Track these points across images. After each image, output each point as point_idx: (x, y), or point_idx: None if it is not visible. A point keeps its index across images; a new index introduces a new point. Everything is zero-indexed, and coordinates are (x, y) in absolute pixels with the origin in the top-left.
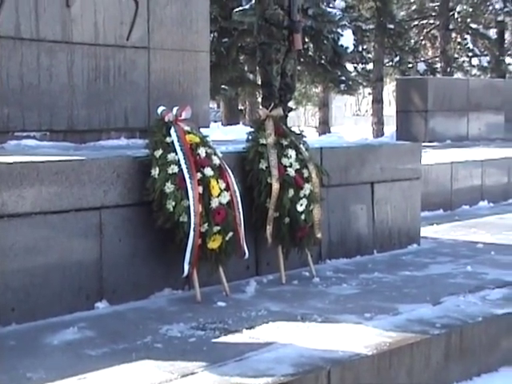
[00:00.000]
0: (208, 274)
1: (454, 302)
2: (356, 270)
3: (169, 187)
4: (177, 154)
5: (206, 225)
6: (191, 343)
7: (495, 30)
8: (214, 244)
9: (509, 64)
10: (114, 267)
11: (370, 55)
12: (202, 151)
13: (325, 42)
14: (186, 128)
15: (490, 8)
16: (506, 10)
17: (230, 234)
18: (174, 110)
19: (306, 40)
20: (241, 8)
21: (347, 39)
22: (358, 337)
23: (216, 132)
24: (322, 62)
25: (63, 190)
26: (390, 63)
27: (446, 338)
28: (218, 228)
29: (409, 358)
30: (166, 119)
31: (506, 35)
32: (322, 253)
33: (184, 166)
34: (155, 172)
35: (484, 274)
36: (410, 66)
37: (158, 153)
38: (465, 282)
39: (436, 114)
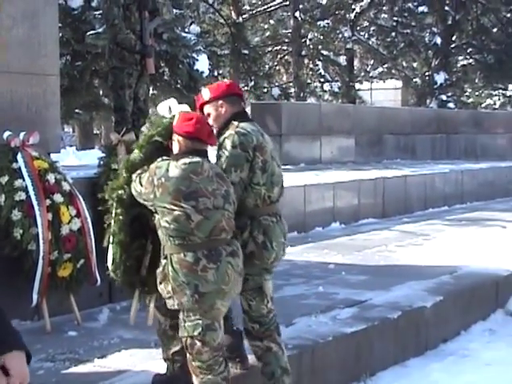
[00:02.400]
0: (59, 302)
1: (305, 322)
2: None
3: (16, 214)
4: (24, 180)
5: (55, 252)
6: (39, 376)
7: (345, 57)
8: (64, 272)
9: (358, 90)
10: None
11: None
12: (51, 177)
13: (180, 66)
14: (34, 153)
15: (340, 36)
16: (354, 38)
17: (82, 261)
18: (21, 134)
19: (162, 64)
20: (94, 31)
21: (203, 64)
22: None
23: (70, 157)
24: (178, 86)
25: None
26: (246, 88)
27: (298, 359)
28: (69, 255)
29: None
30: (13, 144)
31: (355, 62)
32: None
33: (32, 193)
34: (1, 199)
35: (335, 294)
36: (265, 90)
37: (4, 179)
38: (316, 303)
39: (290, 137)
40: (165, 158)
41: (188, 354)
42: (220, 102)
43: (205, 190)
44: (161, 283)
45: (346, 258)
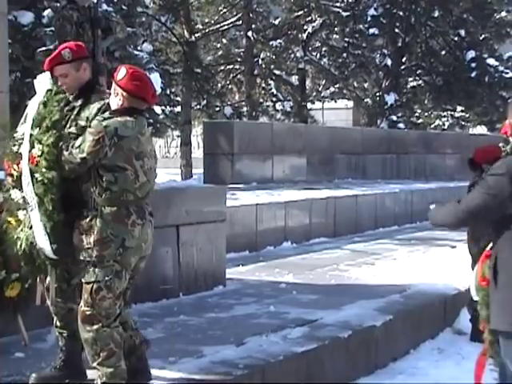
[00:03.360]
0: (6, 323)
1: (257, 342)
2: (162, 314)
3: None
4: None
5: (3, 272)
6: None
7: (297, 77)
8: (12, 292)
9: (310, 109)
10: None
11: (178, 98)
12: None
13: None
14: None
15: (292, 56)
16: (306, 58)
17: (30, 280)
18: None
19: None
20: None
21: (155, 82)
22: (160, 382)
23: None
24: None
25: None
26: (198, 106)
27: (249, 378)
28: (17, 275)
29: None
30: None
31: (307, 82)
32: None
33: None
34: None
35: (286, 314)
36: (217, 109)
37: None
38: (268, 322)
39: (242, 156)
40: (106, 115)
41: (87, 302)
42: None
43: (147, 150)
44: (82, 234)
45: (298, 277)
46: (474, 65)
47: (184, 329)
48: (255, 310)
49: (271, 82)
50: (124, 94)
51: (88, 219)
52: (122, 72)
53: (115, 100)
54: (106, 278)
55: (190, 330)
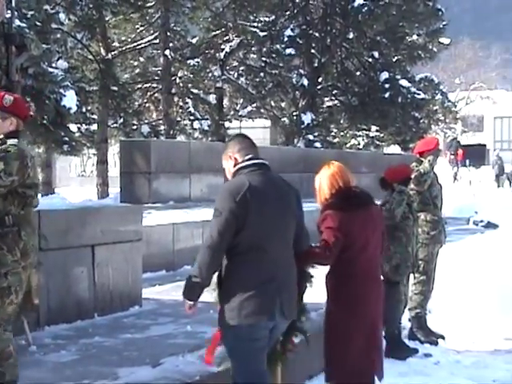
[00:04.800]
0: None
1: (173, 362)
2: (76, 336)
3: None
4: None
5: None
6: None
7: (215, 96)
8: None
9: (228, 128)
10: None
11: (94, 116)
12: None
13: (47, 102)
14: None
15: (210, 75)
16: (223, 77)
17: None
18: None
19: (27, 99)
20: None
21: (70, 100)
22: None
23: None
24: (44, 122)
25: None
26: (115, 124)
27: None
28: None
29: None
30: None
31: (225, 101)
32: (40, 319)
33: None
34: None
35: (203, 333)
36: (134, 127)
37: None
38: (184, 342)
39: (159, 175)
40: (11, 142)
41: None
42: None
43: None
44: None
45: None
46: (387, 85)
47: (99, 350)
48: (172, 330)
49: (189, 101)
50: (16, 119)
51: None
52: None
53: (10, 124)
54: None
55: (105, 351)
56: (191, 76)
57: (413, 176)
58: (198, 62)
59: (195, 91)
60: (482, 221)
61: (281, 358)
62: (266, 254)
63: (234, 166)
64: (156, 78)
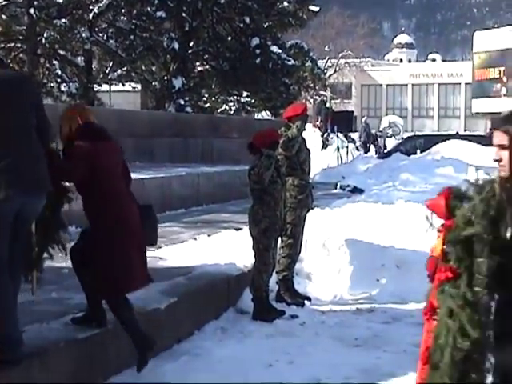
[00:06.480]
0: None
1: (37, 329)
2: None
3: None
4: None
5: None
6: None
7: (83, 58)
8: None
9: (97, 91)
10: None
11: None
12: None
13: None
14: None
15: (78, 36)
16: (92, 39)
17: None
18: None
19: None
20: None
21: None
22: None
23: None
24: None
25: None
26: None
27: (28, 365)
28: None
29: None
30: None
31: (94, 63)
32: None
33: None
34: None
35: (69, 300)
36: None
37: None
38: (49, 309)
39: None
40: None
41: None
42: None
43: None
44: None
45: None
46: (258, 51)
47: None
48: (36, 297)
49: (56, 63)
50: None
51: None
52: None
53: None
54: None
55: None
56: (58, 37)
57: (281, 141)
58: (64, 23)
59: (62, 53)
60: (348, 186)
61: (36, 264)
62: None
63: None
64: (20, 37)
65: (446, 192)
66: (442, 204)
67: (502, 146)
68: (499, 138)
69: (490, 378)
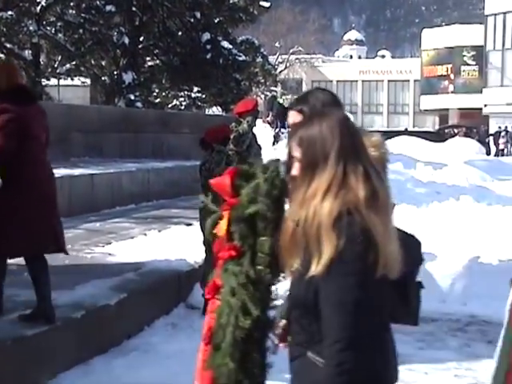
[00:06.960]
0: None
1: None
2: None
3: None
4: None
5: None
6: None
7: (30, 52)
8: None
9: (45, 86)
10: None
11: None
12: None
13: None
14: None
15: (25, 29)
16: (40, 32)
17: None
18: None
19: None
20: None
21: None
22: None
23: None
24: None
25: None
26: None
27: None
28: None
29: None
30: None
31: (42, 57)
32: None
33: None
34: None
35: (16, 296)
36: None
37: None
38: None
39: None
40: None
41: None
42: None
43: None
44: None
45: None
46: (209, 47)
47: None
48: None
49: (2, 56)
50: None
51: None
52: None
53: None
54: None
55: None
56: (4, 29)
57: (232, 136)
58: (11, 15)
59: (9, 46)
60: None
61: None
62: None
63: None
64: None
65: (231, 171)
66: (227, 183)
67: (294, 125)
68: (293, 117)
69: (271, 358)
